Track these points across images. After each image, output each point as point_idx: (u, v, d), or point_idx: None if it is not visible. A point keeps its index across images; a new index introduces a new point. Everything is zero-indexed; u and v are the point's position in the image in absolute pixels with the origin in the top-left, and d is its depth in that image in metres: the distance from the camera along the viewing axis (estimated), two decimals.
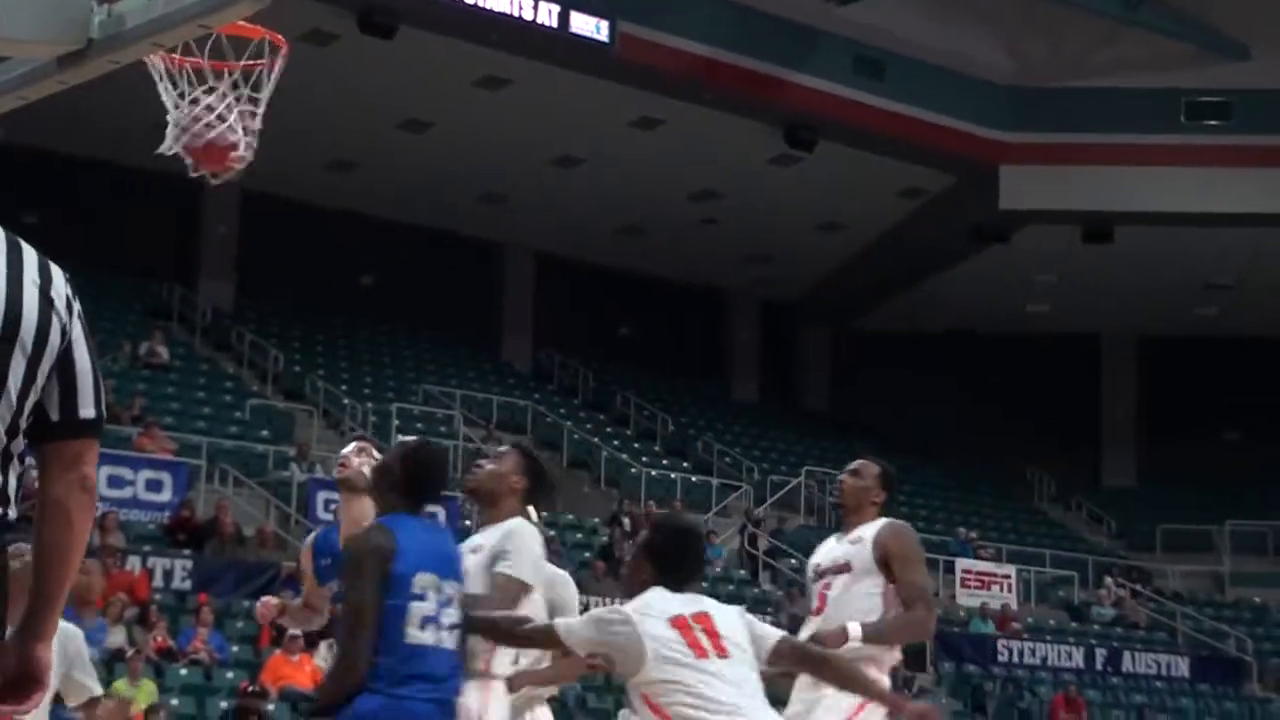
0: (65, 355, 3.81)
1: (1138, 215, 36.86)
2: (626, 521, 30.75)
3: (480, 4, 29.74)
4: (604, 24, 31.05)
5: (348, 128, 33.87)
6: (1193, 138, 36.53)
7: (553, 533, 29.67)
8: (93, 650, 16.18)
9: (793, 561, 31.89)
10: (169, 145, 8.47)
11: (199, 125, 8.35)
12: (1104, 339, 45.23)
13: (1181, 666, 33.86)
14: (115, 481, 25.48)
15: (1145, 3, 34.62)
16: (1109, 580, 37.42)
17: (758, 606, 29.39)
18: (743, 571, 32.11)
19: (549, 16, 30.43)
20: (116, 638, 20.89)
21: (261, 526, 26.24)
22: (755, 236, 38.97)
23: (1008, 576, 34.69)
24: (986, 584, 34.16)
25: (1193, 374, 43.88)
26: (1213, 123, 36.48)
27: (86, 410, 3.84)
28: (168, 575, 23.71)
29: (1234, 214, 36.63)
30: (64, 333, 3.80)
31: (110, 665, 19.51)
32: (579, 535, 30.74)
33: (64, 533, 3.81)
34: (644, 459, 35.87)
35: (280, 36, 8.71)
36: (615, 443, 36.61)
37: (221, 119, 8.33)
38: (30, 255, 3.84)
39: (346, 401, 33.17)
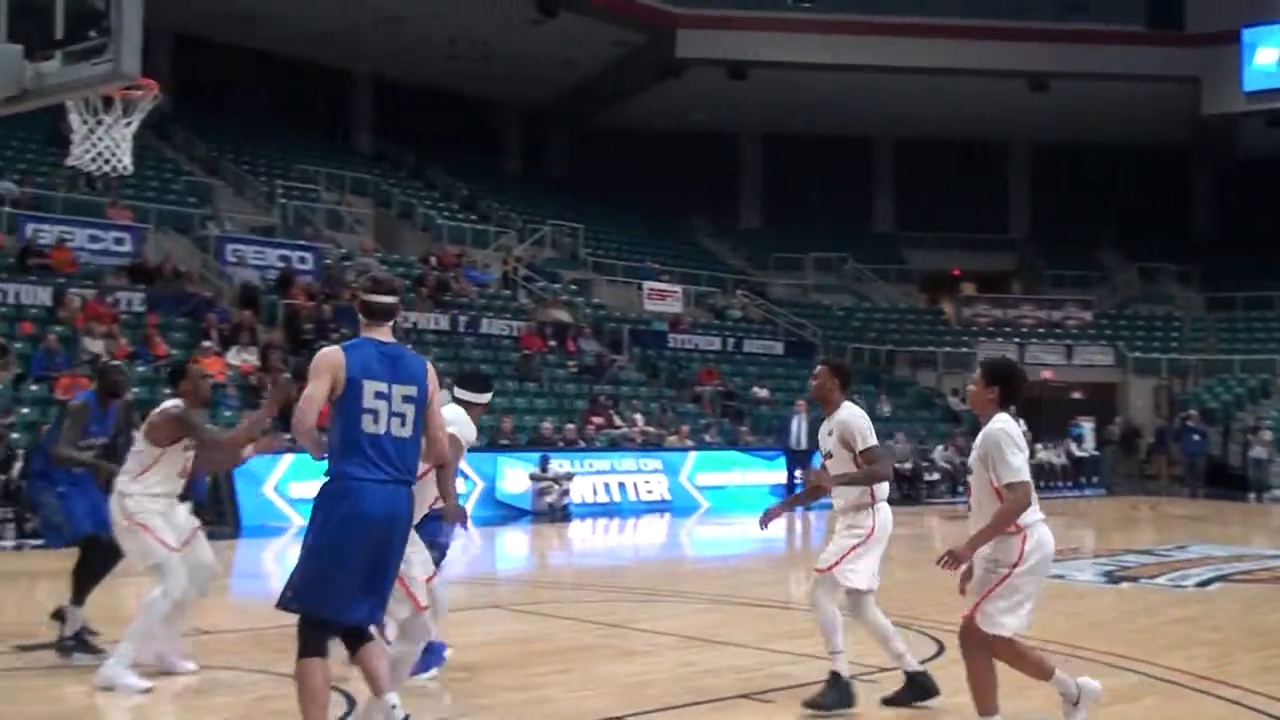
0: None
1: (761, 63, 37.55)
2: (433, 260, 31.09)
3: None
4: None
5: None
6: (794, 14, 36.99)
7: (385, 267, 29.97)
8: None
9: (539, 283, 32.60)
10: (75, 158, 8.11)
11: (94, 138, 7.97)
12: (740, 137, 45.61)
13: (778, 348, 34.41)
14: (94, 239, 24.93)
15: None
16: (739, 292, 38.06)
17: (518, 315, 30.24)
18: (507, 290, 32.00)
19: None
20: (95, 347, 20.48)
21: (190, 269, 25.48)
22: (521, 68, 38.77)
23: (676, 291, 34.74)
24: (664, 296, 34.26)
25: (794, 161, 44.57)
26: (806, 5, 36.85)
27: None
28: (129, 302, 23.03)
29: (817, 63, 37.50)
30: None
31: (93, 365, 19.47)
32: (402, 269, 30.16)
33: None
34: (446, 214, 35.47)
35: (152, 81, 8.26)
36: (428, 202, 36.09)
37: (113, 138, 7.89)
38: None
39: (249, 178, 32.74)
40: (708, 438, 26.43)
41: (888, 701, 7.38)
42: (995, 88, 38.59)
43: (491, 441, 22.80)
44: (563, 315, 30.51)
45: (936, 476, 27.98)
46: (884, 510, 7.66)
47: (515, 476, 21.76)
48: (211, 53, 35.24)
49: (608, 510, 22.67)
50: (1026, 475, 6.20)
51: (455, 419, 7.20)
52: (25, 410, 18.39)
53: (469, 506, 20.44)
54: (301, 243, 28.54)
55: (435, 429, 5.92)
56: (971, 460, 6.47)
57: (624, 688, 7.49)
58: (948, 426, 31.71)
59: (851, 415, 7.71)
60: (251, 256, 26.82)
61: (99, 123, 7.83)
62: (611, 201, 41.70)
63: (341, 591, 5.57)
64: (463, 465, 20.45)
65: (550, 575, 15.41)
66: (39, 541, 13.87)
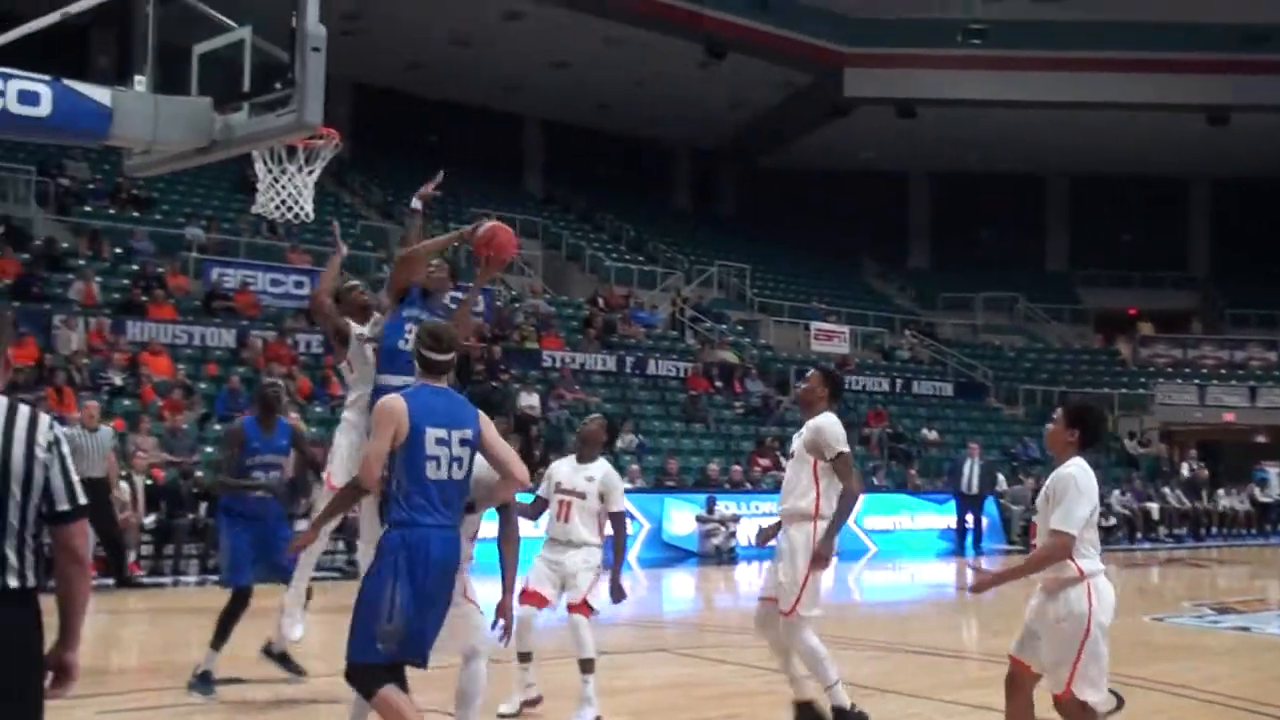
0: (46, 483, 3.74)
1: (930, 101, 37.20)
2: (601, 301, 31.37)
3: None
4: None
5: (423, 47, 33.71)
6: (964, 51, 36.50)
7: (553, 309, 30.37)
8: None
9: (706, 324, 32.71)
10: (259, 206, 8.36)
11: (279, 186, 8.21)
12: (910, 176, 45.30)
13: (948, 389, 34.07)
14: (275, 282, 25.53)
15: None
16: (907, 332, 37.80)
17: (685, 356, 30.35)
18: (674, 331, 32.14)
19: None
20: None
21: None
22: (689, 110, 39.06)
23: (843, 331, 34.54)
24: (831, 337, 34.01)
25: (965, 199, 44.27)
26: (976, 41, 36.40)
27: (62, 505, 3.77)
28: (308, 344, 23.50)
29: (989, 100, 37.00)
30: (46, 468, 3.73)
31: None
32: (570, 310, 30.79)
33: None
34: (614, 255, 35.88)
35: (333, 130, 8.55)
36: (596, 244, 36.54)
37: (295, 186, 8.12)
38: (22, 415, 3.76)
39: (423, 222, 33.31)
40: (875, 480, 26.09)
41: None
42: (1172, 122, 37.64)
43: (658, 483, 22.86)
44: (729, 356, 30.52)
45: (1113, 522, 27.19)
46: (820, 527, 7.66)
47: (681, 518, 21.73)
48: (387, 101, 36.18)
49: (774, 553, 22.45)
50: (1077, 529, 5.89)
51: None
52: (210, 449, 18.98)
53: (635, 548, 20.70)
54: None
55: (505, 457, 5.95)
56: (1039, 500, 6.20)
57: None
58: (1124, 471, 30.84)
59: (829, 422, 7.64)
60: None
61: (283, 171, 8.07)
62: (779, 241, 41.71)
63: (416, 633, 5.64)
64: (628, 506, 20.68)
65: (716, 618, 15.33)
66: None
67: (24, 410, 3.74)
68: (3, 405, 3.72)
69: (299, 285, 25.94)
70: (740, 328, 33.65)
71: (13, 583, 3.64)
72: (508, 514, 6.18)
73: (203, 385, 21.00)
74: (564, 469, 8.34)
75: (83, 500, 3.78)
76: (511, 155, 40.70)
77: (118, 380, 20.01)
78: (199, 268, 25.29)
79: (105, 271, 24.10)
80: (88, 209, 26.62)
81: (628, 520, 20.71)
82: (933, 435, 30.13)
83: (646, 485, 22.56)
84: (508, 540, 6.15)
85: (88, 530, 3.85)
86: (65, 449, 3.80)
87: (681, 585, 18.86)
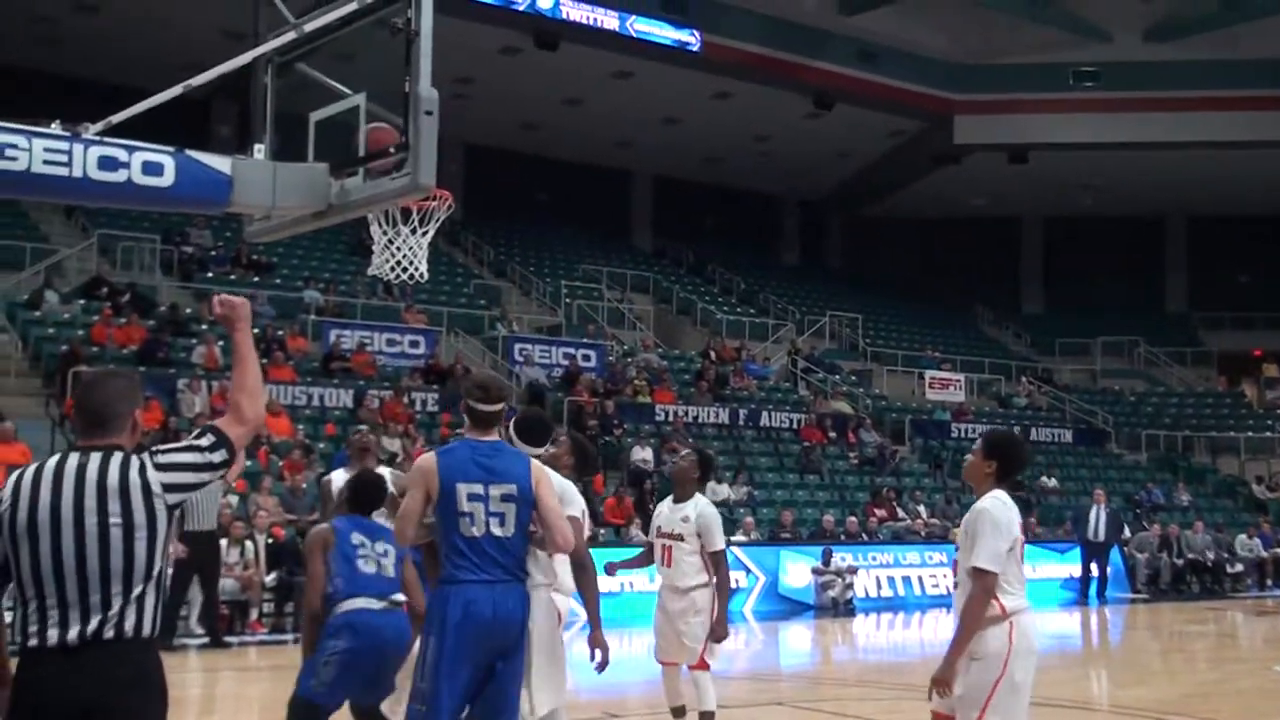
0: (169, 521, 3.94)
1: (1042, 145, 36.84)
2: (713, 354, 31.36)
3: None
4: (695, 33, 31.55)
5: (534, 107, 34.29)
6: (1075, 94, 36.20)
7: (665, 363, 30.46)
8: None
9: (819, 375, 32.60)
10: (375, 268, 8.43)
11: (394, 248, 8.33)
12: (1023, 222, 44.84)
13: (1067, 436, 33.56)
14: (391, 342, 26.03)
15: (1041, 2, 34.45)
16: (1024, 379, 37.38)
17: (798, 407, 30.25)
18: (787, 383, 32.24)
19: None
20: (394, 446, 21.09)
21: (480, 369, 25.95)
22: (797, 162, 39.16)
23: (958, 380, 34.23)
24: (946, 385, 33.77)
25: (1079, 243, 43.74)
26: (1088, 84, 36.07)
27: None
28: (423, 403, 24.00)
29: (1103, 143, 36.56)
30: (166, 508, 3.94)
31: (390, 462, 20.22)
32: (682, 363, 30.82)
33: None
34: (725, 308, 36.02)
35: (446, 191, 8.49)
36: (707, 297, 36.69)
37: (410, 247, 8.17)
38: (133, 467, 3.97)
39: (535, 279, 33.86)
40: None
41: None
42: None
43: (773, 535, 22.75)
44: (843, 406, 30.35)
45: (1240, 568, 26.51)
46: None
47: (797, 570, 21.59)
48: (498, 160, 36.68)
49: (892, 604, 22.24)
50: (999, 566, 5.51)
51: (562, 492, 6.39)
52: None
53: (751, 601, 20.60)
54: (585, 340, 29.29)
55: (550, 518, 5.77)
56: (959, 537, 5.88)
57: None
58: (1252, 516, 30.05)
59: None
60: (538, 355, 27.62)
61: (397, 233, 8.19)
62: (890, 290, 41.56)
63: (446, 700, 5.48)
64: (742, 557, 20.62)
65: (834, 671, 15.18)
66: None
67: (125, 458, 3.97)
68: (85, 463, 3.92)
69: (414, 345, 26.39)
70: (853, 378, 33.48)
71: (145, 632, 3.82)
72: (578, 557, 6.21)
73: (321, 445, 21.35)
74: (664, 511, 8.34)
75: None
76: (621, 211, 41.02)
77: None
78: (317, 329, 25.79)
79: (227, 336, 24.57)
80: (210, 275, 27.31)
81: (743, 572, 20.66)
82: (1052, 483, 29.65)
83: (761, 538, 22.46)
84: (583, 578, 6.30)
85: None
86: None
87: (798, 638, 18.71)
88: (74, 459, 3.91)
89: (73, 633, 3.75)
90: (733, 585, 20.00)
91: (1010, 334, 42.76)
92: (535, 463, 5.92)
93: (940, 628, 20.31)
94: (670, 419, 26.41)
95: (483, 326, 29.00)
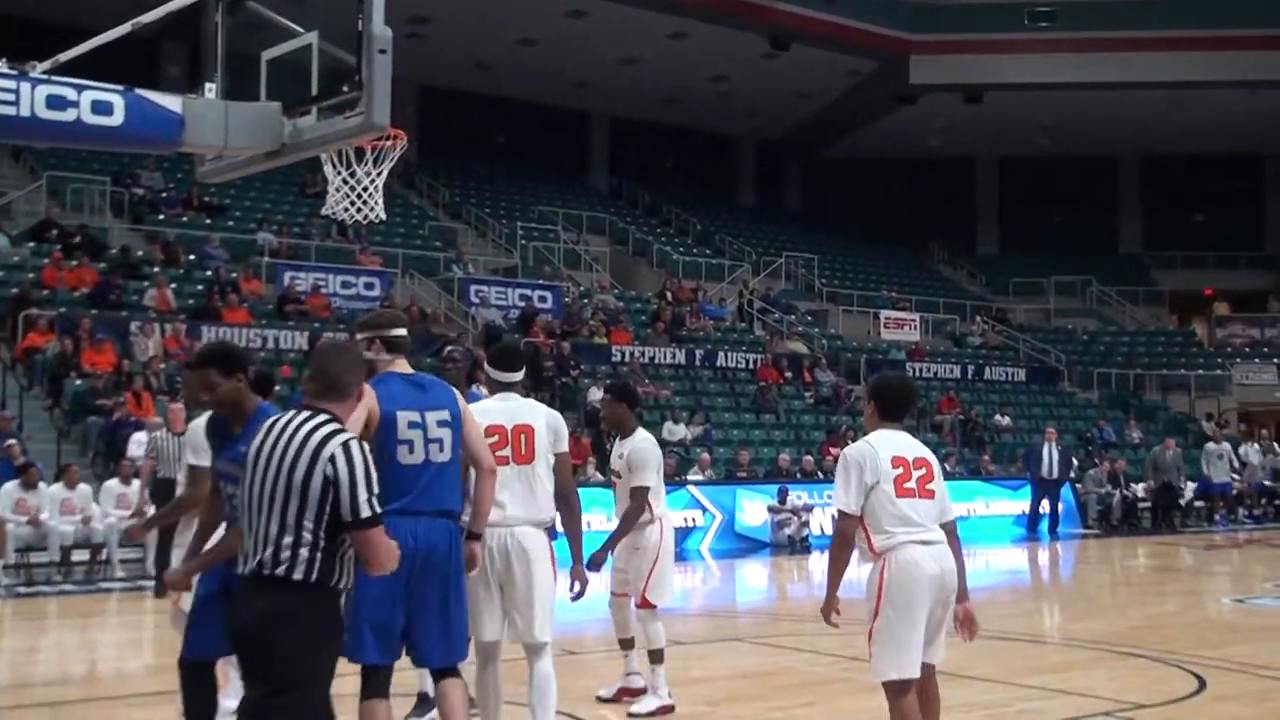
0: (337, 494, 4.23)
1: (998, 85, 36.87)
2: (669, 295, 31.38)
3: None
4: None
5: (488, 47, 33.96)
6: (1031, 34, 36.17)
7: (622, 304, 30.45)
8: None
9: (775, 315, 32.67)
10: (329, 208, 8.30)
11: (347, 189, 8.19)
12: (977, 161, 44.94)
13: (1021, 375, 33.67)
14: (346, 285, 25.87)
15: None
16: (978, 318, 37.42)
17: (754, 347, 30.33)
18: (743, 323, 32.24)
19: None
20: None
21: (436, 310, 26.26)
22: (754, 102, 39.04)
23: (913, 319, 34.45)
24: (901, 325, 33.94)
25: (1034, 183, 43.92)
26: (1044, 24, 36.02)
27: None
28: None
29: (1058, 83, 36.61)
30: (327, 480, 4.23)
31: None
32: (638, 304, 30.81)
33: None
34: (681, 249, 35.96)
35: (401, 130, 8.30)
36: (663, 238, 36.62)
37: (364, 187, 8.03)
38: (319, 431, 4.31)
39: (490, 221, 33.66)
40: (949, 467, 25.89)
41: None
42: (1245, 100, 37.11)
43: (729, 474, 22.88)
44: (799, 347, 30.46)
45: (1191, 500, 26.89)
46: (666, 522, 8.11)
47: (753, 509, 21.73)
48: (453, 101, 36.37)
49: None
50: (854, 507, 5.72)
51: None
52: None
53: (708, 539, 20.74)
54: (542, 282, 29.22)
55: (474, 444, 5.78)
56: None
57: None
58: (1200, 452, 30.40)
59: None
60: (494, 297, 27.55)
61: (351, 174, 8.15)
62: (846, 231, 41.66)
63: (371, 634, 5.39)
64: (698, 496, 20.74)
65: (790, 608, 15.34)
66: None
67: (320, 425, 4.30)
68: (297, 419, 4.35)
69: (369, 287, 26.24)
70: (809, 318, 33.58)
71: (296, 575, 4.22)
72: (563, 489, 6.35)
73: (278, 387, 21.21)
74: (612, 451, 8.41)
75: (365, 514, 4.24)
76: (577, 152, 40.86)
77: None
78: (271, 271, 25.62)
79: (180, 278, 24.47)
80: (161, 217, 27.05)
81: (699, 511, 20.75)
82: (1005, 421, 29.89)
83: (718, 476, 22.58)
84: (567, 511, 6.45)
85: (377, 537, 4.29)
86: (355, 463, 4.25)
87: (755, 575, 18.87)
88: (301, 416, 4.38)
89: (251, 564, 4.29)
90: (688, 523, 20.47)
91: (965, 274, 42.92)
92: (457, 393, 5.85)
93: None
94: (626, 360, 26.45)
95: (438, 268, 28.86)
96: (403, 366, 5.81)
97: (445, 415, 5.64)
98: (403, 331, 5.91)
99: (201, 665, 5.44)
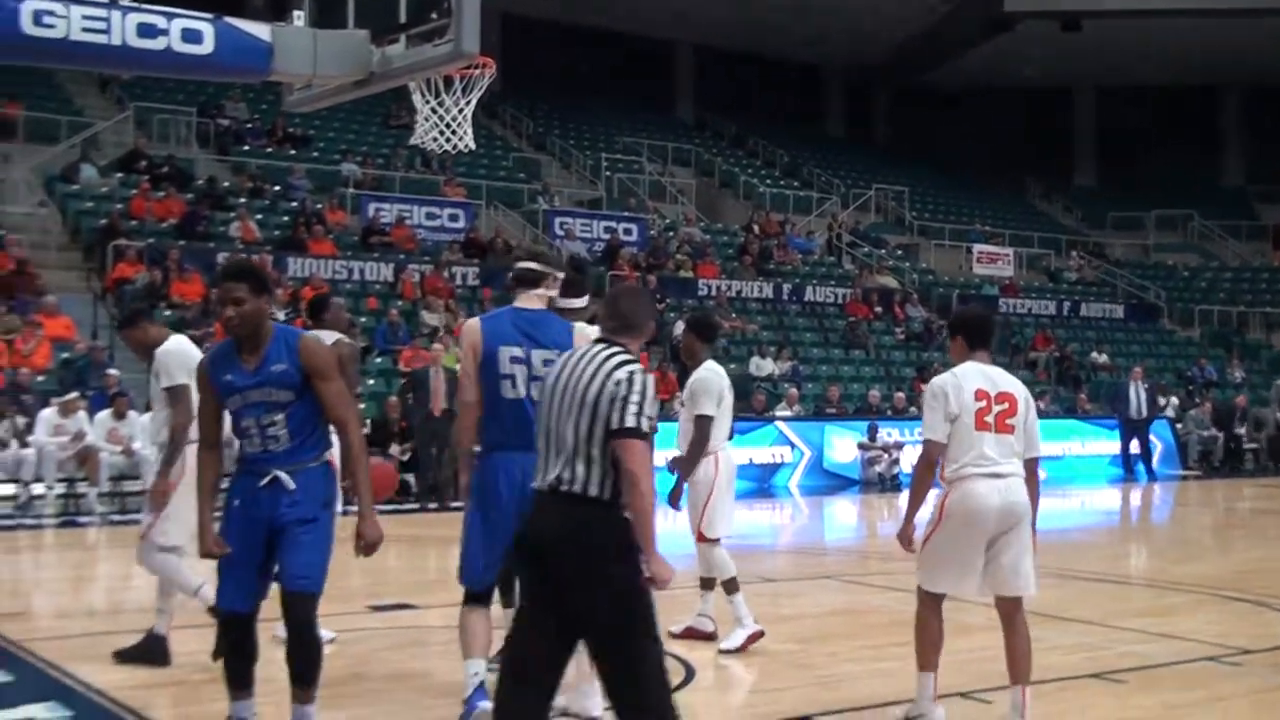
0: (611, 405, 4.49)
1: (1096, 12, 35.96)
2: (756, 228, 31.21)
3: None
4: None
5: None
6: None
7: (708, 237, 30.32)
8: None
9: (864, 249, 32.41)
10: (418, 138, 8.22)
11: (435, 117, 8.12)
12: (1074, 92, 44.08)
13: (1118, 311, 33.31)
14: (430, 216, 26.07)
15: None
16: (1074, 253, 37.02)
17: (843, 282, 30.12)
18: (831, 257, 32.06)
19: None
20: (434, 321, 21.41)
21: (519, 243, 25.88)
22: (844, 31, 38.42)
23: (1007, 254, 34.13)
24: (995, 260, 33.69)
25: (1133, 114, 42.97)
26: None
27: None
28: (464, 277, 24.05)
29: (1160, 9, 35.60)
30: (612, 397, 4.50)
31: (431, 337, 20.16)
32: (725, 238, 30.74)
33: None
34: (768, 181, 35.68)
35: (489, 58, 8.23)
36: (750, 170, 36.40)
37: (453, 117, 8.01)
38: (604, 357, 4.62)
39: (575, 152, 33.57)
40: (1043, 406, 25.61)
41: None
42: None
43: (818, 410, 22.78)
44: (889, 281, 30.21)
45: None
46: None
47: (843, 445, 21.64)
48: (538, 30, 36.22)
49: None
50: (938, 435, 6.03)
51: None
52: (371, 382, 19.41)
53: (796, 475, 20.70)
54: (627, 214, 29.16)
55: None
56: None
57: (964, 663, 7.27)
58: None
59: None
60: (579, 229, 27.54)
61: (440, 103, 8.11)
62: (938, 163, 41.09)
63: (482, 560, 5.71)
64: (787, 431, 20.67)
65: (880, 546, 15.25)
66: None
67: (613, 355, 4.62)
68: (594, 348, 4.69)
69: (454, 219, 26.38)
70: (899, 252, 33.28)
71: (591, 492, 4.49)
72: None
73: (363, 319, 21.43)
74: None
75: (629, 424, 4.46)
76: (662, 82, 40.55)
77: (280, 315, 20.51)
78: (356, 203, 25.77)
79: (264, 209, 24.70)
80: (246, 148, 27.25)
81: (788, 447, 20.74)
82: (1103, 359, 29.51)
83: (806, 412, 22.49)
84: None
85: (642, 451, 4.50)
86: (634, 384, 4.54)
87: (844, 513, 18.82)
88: (596, 348, 4.72)
89: (548, 480, 4.56)
90: (776, 460, 20.42)
91: (1061, 207, 42.26)
92: (580, 329, 5.89)
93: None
94: (713, 294, 26.37)
95: (522, 200, 28.91)
96: (529, 301, 5.90)
97: (553, 355, 5.60)
98: (530, 265, 6.00)
99: (242, 617, 5.32)
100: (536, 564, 4.54)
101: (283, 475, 5.21)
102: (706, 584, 8.15)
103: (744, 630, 7.81)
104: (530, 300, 5.92)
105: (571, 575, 4.45)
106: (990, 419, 5.99)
